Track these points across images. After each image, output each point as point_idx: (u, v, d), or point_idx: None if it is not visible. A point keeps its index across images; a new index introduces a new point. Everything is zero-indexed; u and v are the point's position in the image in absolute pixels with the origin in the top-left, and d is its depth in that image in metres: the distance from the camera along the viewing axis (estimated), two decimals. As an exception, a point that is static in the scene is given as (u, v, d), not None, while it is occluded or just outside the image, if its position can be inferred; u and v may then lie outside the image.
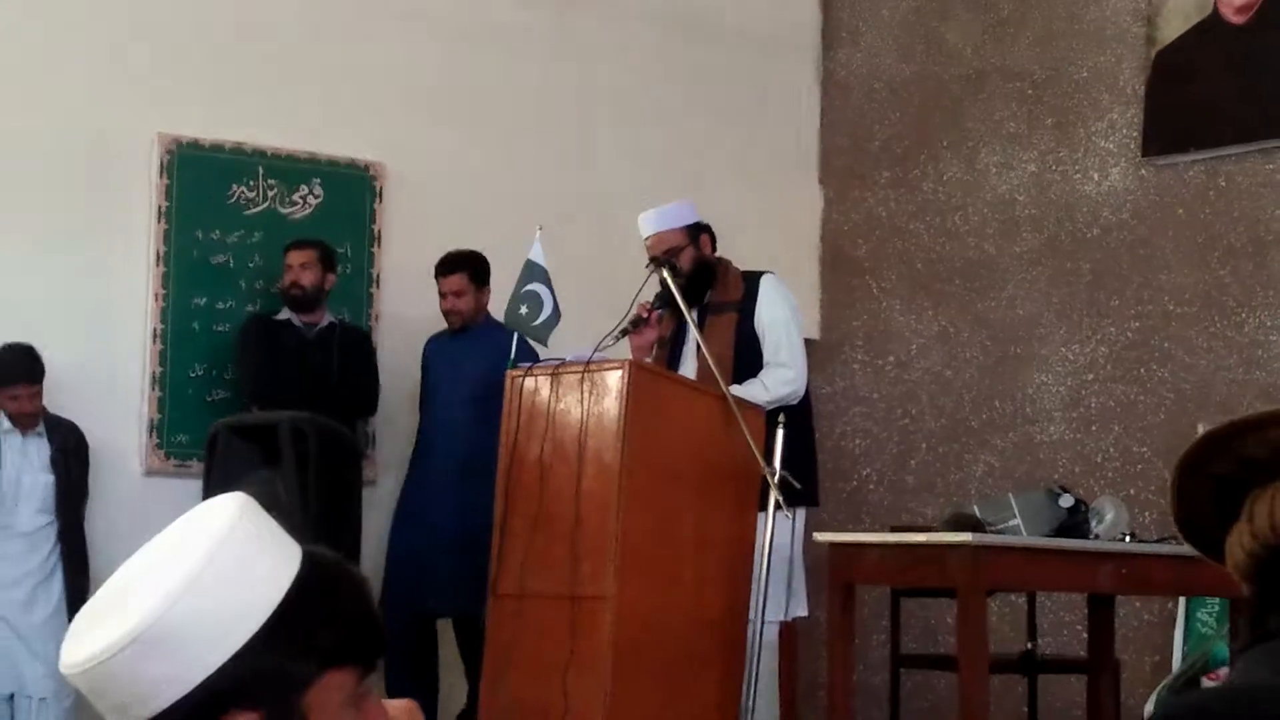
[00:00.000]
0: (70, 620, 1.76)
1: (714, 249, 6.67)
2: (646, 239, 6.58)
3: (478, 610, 6.75)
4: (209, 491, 6.67)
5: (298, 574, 1.65)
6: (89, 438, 7.19)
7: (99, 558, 6.92)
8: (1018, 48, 8.49)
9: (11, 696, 6.89)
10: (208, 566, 1.59)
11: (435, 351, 7.75)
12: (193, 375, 7.60)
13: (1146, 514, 7.52)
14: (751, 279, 6.59)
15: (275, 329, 7.56)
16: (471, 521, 7.33)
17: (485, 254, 7.65)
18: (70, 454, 7.09)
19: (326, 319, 7.64)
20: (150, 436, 7.51)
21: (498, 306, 7.30)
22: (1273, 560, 1.11)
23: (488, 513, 7.20)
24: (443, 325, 7.72)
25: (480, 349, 7.49)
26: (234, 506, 1.66)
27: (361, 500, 7.29)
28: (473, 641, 7.31)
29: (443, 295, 7.64)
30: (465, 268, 7.61)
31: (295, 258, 7.56)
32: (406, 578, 7.44)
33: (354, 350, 7.65)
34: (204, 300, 7.64)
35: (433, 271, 7.64)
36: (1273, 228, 7.48)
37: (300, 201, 7.87)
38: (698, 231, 6.60)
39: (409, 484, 7.67)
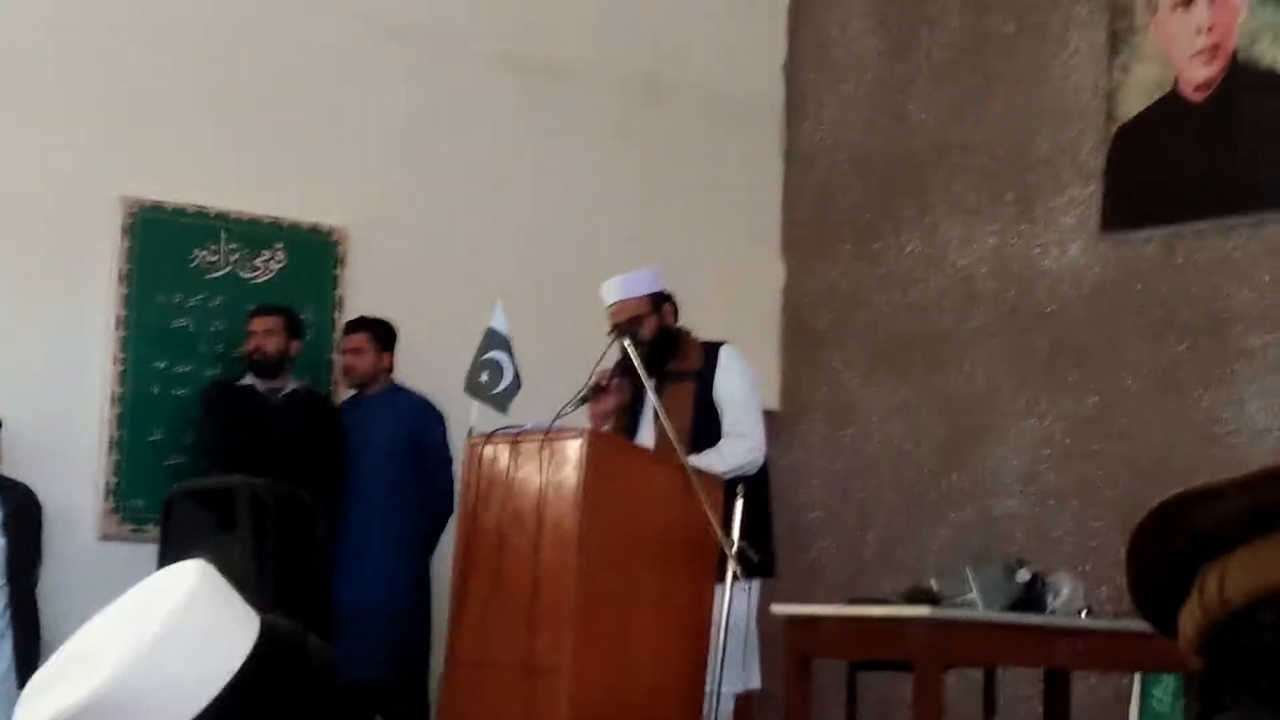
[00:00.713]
0: (20, 685, 1.74)
1: (676, 318, 6.68)
2: (610, 306, 6.58)
3: (410, 676, 6.76)
4: (164, 557, 6.63)
5: (255, 644, 1.64)
6: (44, 501, 7.14)
7: (52, 622, 6.86)
8: (980, 123, 8.55)
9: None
10: (166, 635, 1.58)
11: (346, 419, 7.79)
12: (151, 439, 7.56)
13: (1103, 589, 7.53)
14: (711, 349, 6.61)
15: (238, 395, 7.54)
16: (393, 588, 7.37)
17: (447, 320, 7.69)
18: (22, 517, 7.04)
19: (290, 385, 7.62)
20: (106, 500, 7.47)
21: (456, 374, 7.29)
22: (1222, 635, 1.11)
23: (405, 579, 7.22)
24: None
25: (382, 415, 7.60)
26: (193, 574, 1.65)
27: (324, 568, 7.25)
28: (406, 709, 7.32)
29: (343, 352, 7.71)
30: (369, 328, 7.73)
31: (259, 324, 7.56)
32: (342, 649, 7.40)
33: (318, 418, 7.64)
34: (164, 364, 7.61)
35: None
36: (1230, 305, 7.53)
37: (262, 266, 7.86)
38: (660, 300, 6.61)
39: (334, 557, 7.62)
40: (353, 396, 7.82)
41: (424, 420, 7.69)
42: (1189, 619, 1.14)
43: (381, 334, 7.74)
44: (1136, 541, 1.19)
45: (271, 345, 7.52)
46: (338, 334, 7.96)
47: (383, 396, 7.72)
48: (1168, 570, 1.17)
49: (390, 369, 7.79)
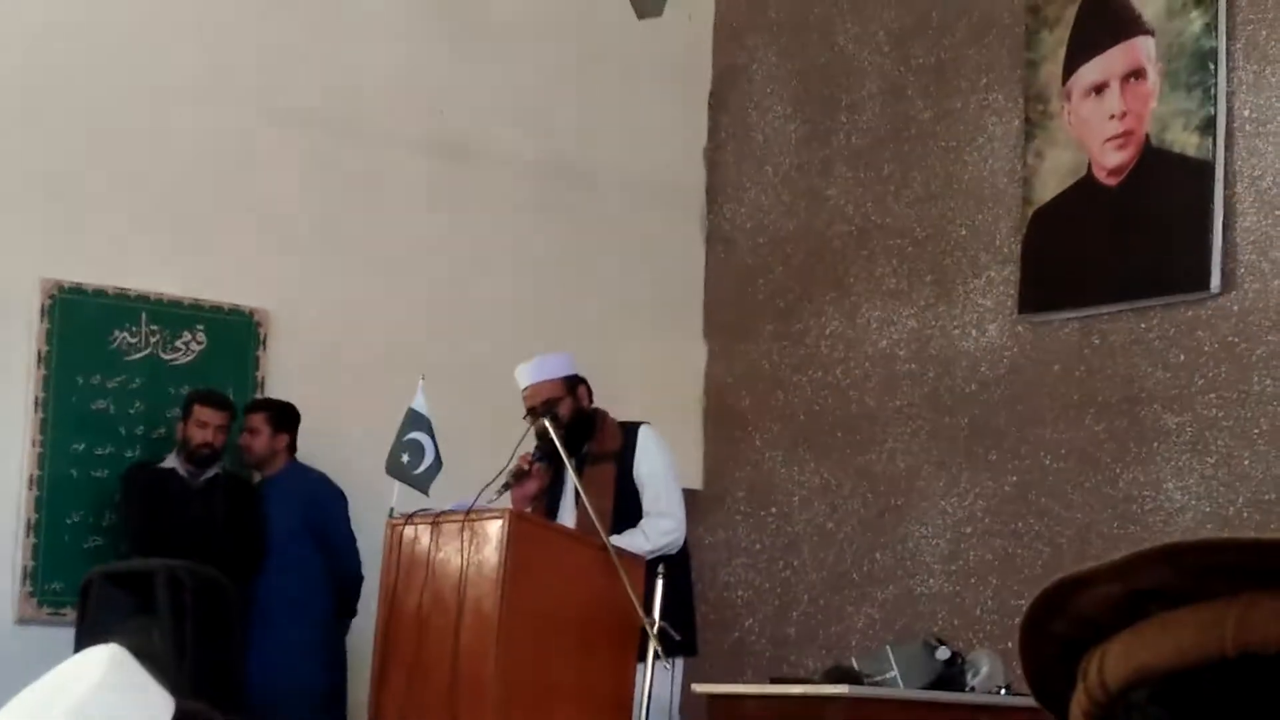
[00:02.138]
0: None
1: (590, 400, 6.71)
2: (524, 390, 6.61)
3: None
4: (82, 640, 6.57)
5: (170, 727, 1.63)
6: (-41, 584, 7.07)
7: (-34, 707, 6.77)
8: (898, 206, 8.65)
9: None
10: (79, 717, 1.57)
11: None
12: (69, 522, 7.50)
13: (1024, 667, 7.57)
14: (629, 429, 6.64)
15: (160, 478, 7.49)
16: (305, 669, 7.33)
17: (368, 400, 7.70)
18: (-62, 600, 6.96)
19: (213, 470, 7.58)
20: (24, 584, 7.40)
21: (377, 455, 7.27)
22: (1106, 718, 1.13)
23: (317, 659, 7.16)
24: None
25: (280, 495, 7.65)
26: (105, 658, 1.63)
27: (243, 652, 7.20)
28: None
29: (242, 430, 7.71)
30: (268, 409, 7.74)
31: (213, 417, 7.51)
32: None
33: (240, 503, 7.60)
34: (83, 446, 7.56)
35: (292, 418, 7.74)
36: (1146, 385, 7.62)
37: (183, 348, 7.84)
38: (575, 383, 6.64)
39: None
40: (257, 479, 7.81)
41: (320, 496, 7.68)
42: (1076, 707, 1.16)
43: (277, 415, 7.72)
44: (1025, 632, 1.20)
45: (220, 440, 7.52)
46: (259, 416, 7.94)
47: (280, 477, 7.71)
48: (1059, 659, 1.18)
49: (289, 450, 7.75)
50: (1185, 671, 1.07)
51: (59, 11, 7.75)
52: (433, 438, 6.95)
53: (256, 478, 7.87)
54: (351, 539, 7.47)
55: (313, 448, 7.69)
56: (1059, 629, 1.16)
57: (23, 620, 7.37)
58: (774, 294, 9.09)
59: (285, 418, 7.74)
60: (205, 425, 7.47)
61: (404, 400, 7.05)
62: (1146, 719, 1.08)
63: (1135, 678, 1.09)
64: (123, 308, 7.70)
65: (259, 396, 7.82)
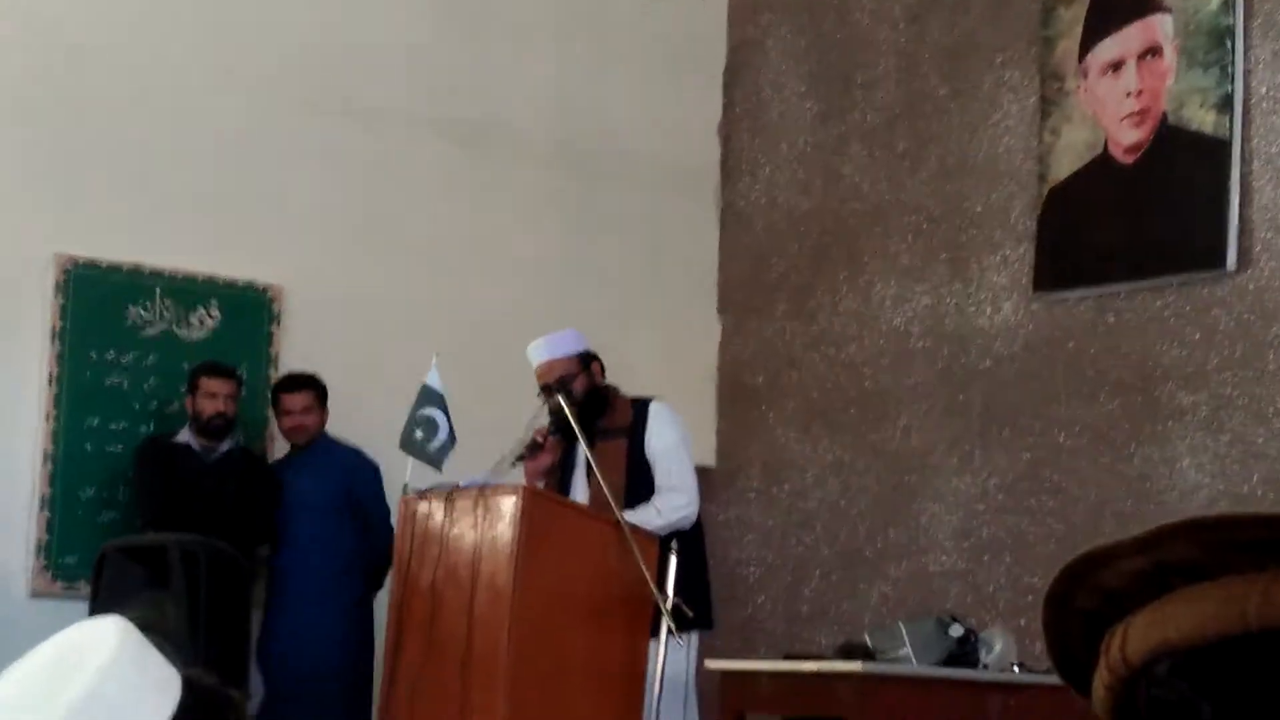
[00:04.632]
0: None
1: (603, 376, 6.71)
2: (537, 367, 6.61)
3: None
4: (95, 614, 6.56)
5: (179, 702, 1.62)
6: (-26, 559, 7.10)
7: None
8: (913, 183, 8.63)
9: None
10: (92, 697, 1.55)
11: (281, 477, 7.73)
12: (83, 496, 7.51)
13: (1037, 644, 7.56)
14: (640, 405, 6.64)
15: (173, 453, 7.49)
16: (333, 646, 7.33)
17: (382, 377, 7.69)
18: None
19: (226, 444, 7.58)
20: (38, 558, 7.41)
21: (391, 431, 7.28)
22: (1125, 694, 1.13)
23: (346, 637, 7.18)
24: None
25: (316, 470, 7.56)
26: (117, 632, 1.61)
27: (250, 626, 7.23)
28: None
29: (288, 412, 7.66)
30: (313, 386, 7.67)
31: (220, 386, 7.48)
32: (287, 713, 7.37)
33: (254, 477, 7.60)
34: (96, 421, 7.57)
35: (272, 391, 7.74)
36: (1160, 363, 7.61)
37: (197, 323, 7.84)
38: (588, 359, 6.64)
39: (273, 618, 7.57)
40: (287, 454, 7.80)
41: (357, 468, 7.66)
42: (1099, 682, 1.15)
43: (323, 391, 7.71)
44: (1049, 606, 1.19)
45: (232, 409, 7.50)
46: (272, 392, 7.94)
47: (316, 451, 7.68)
48: (1082, 634, 1.17)
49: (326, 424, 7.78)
50: (1207, 646, 1.07)
51: (74, -11, 7.75)
52: (446, 414, 6.95)
53: (265, 452, 7.87)
54: (387, 511, 7.45)
55: (327, 424, 7.69)
56: (1082, 603, 1.16)
57: (37, 594, 7.39)
58: (788, 271, 9.08)
59: (326, 392, 7.70)
60: (215, 395, 7.46)
61: (418, 376, 7.05)
62: (1168, 692, 1.08)
63: (1157, 651, 1.09)
64: (137, 284, 7.71)
65: (292, 373, 7.72)
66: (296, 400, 7.65)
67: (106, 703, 1.56)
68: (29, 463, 7.44)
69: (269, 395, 7.80)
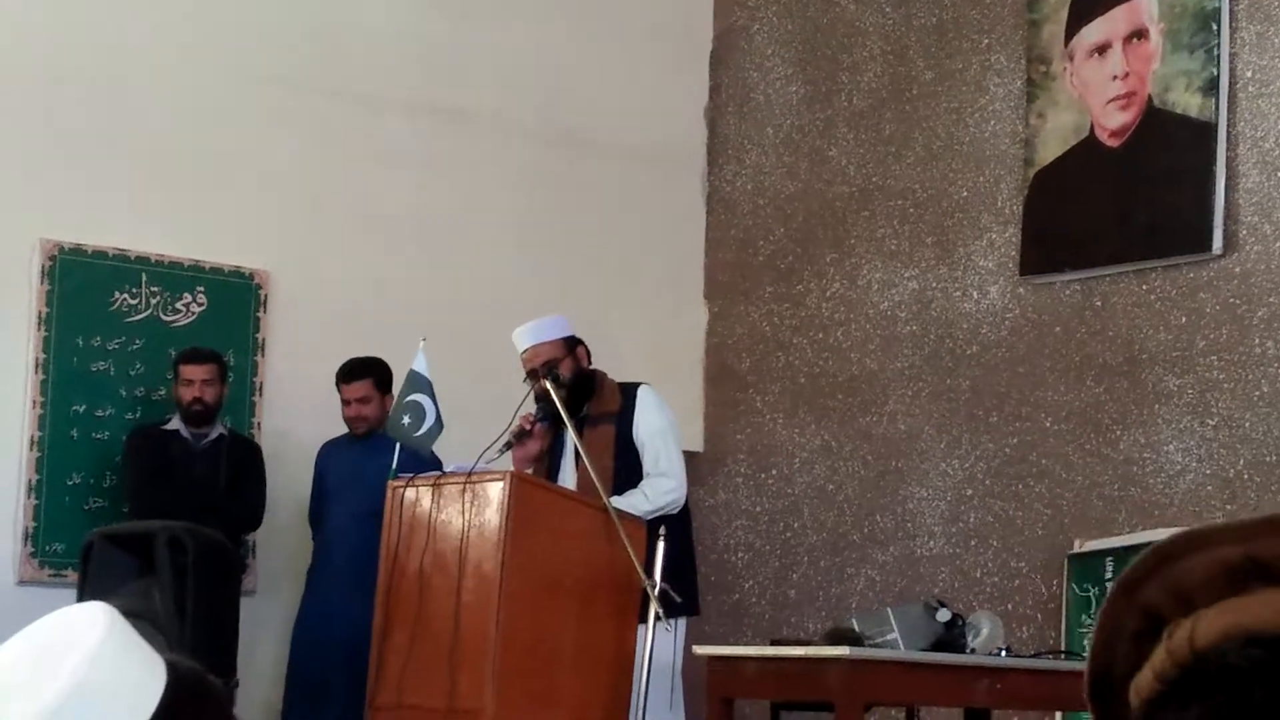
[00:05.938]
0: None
1: (589, 361, 6.70)
2: (523, 352, 6.60)
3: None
4: (83, 601, 6.57)
5: (165, 689, 1.62)
6: (-39, 545, 7.08)
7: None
8: (900, 167, 8.63)
9: None
10: (80, 686, 1.54)
11: (332, 458, 7.67)
12: (70, 483, 7.51)
13: (1024, 629, 7.59)
14: (628, 390, 6.63)
15: (163, 440, 7.47)
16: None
17: (369, 363, 7.67)
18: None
19: (216, 430, 7.56)
20: (25, 545, 7.41)
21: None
22: (1184, 681, 1.10)
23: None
24: (330, 433, 7.68)
25: (381, 456, 7.45)
26: (104, 619, 1.61)
27: (239, 612, 7.21)
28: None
29: (346, 402, 7.58)
30: (371, 374, 7.58)
31: (197, 372, 7.43)
32: (308, 692, 7.36)
33: (243, 463, 7.57)
34: (83, 408, 7.56)
35: (335, 378, 7.60)
36: (1147, 347, 7.62)
37: (183, 309, 7.83)
38: (574, 344, 6.63)
39: (309, 596, 7.56)
40: (345, 436, 7.71)
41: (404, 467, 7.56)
42: (1150, 672, 1.11)
43: (382, 377, 7.57)
44: (1116, 593, 1.15)
45: (211, 394, 7.44)
46: (260, 377, 7.93)
47: (380, 438, 7.43)
48: (1135, 632, 1.14)
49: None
50: None
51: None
52: (434, 399, 6.94)
53: (253, 436, 7.86)
54: None
55: (316, 409, 7.68)
56: (1150, 595, 1.12)
57: (23, 581, 7.38)
58: (774, 255, 9.07)
59: (388, 378, 7.55)
60: (191, 382, 7.42)
61: (405, 362, 7.05)
62: (1243, 660, 1.05)
63: (1232, 633, 1.06)
64: (123, 269, 7.70)
65: (351, 360, 7.57)
66: (353, 390, 7.56)
67: (92, 689, 1.55)
68: (16, 449, 7.43)
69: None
